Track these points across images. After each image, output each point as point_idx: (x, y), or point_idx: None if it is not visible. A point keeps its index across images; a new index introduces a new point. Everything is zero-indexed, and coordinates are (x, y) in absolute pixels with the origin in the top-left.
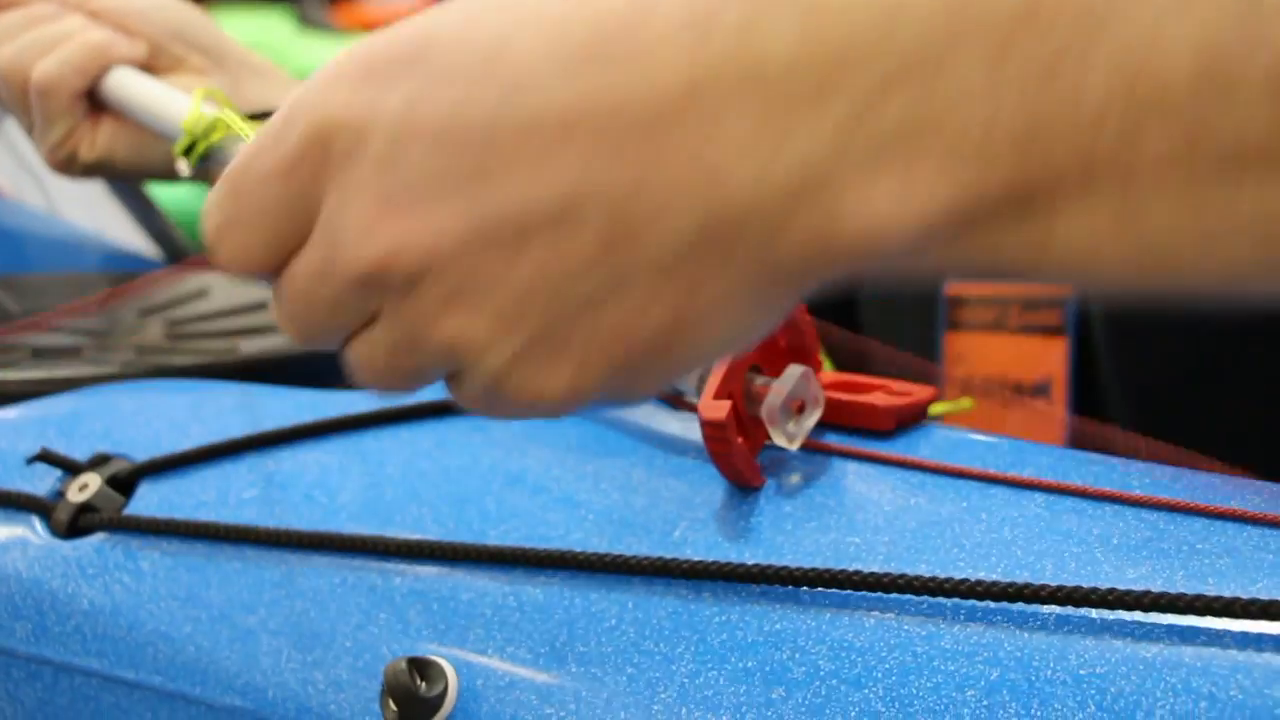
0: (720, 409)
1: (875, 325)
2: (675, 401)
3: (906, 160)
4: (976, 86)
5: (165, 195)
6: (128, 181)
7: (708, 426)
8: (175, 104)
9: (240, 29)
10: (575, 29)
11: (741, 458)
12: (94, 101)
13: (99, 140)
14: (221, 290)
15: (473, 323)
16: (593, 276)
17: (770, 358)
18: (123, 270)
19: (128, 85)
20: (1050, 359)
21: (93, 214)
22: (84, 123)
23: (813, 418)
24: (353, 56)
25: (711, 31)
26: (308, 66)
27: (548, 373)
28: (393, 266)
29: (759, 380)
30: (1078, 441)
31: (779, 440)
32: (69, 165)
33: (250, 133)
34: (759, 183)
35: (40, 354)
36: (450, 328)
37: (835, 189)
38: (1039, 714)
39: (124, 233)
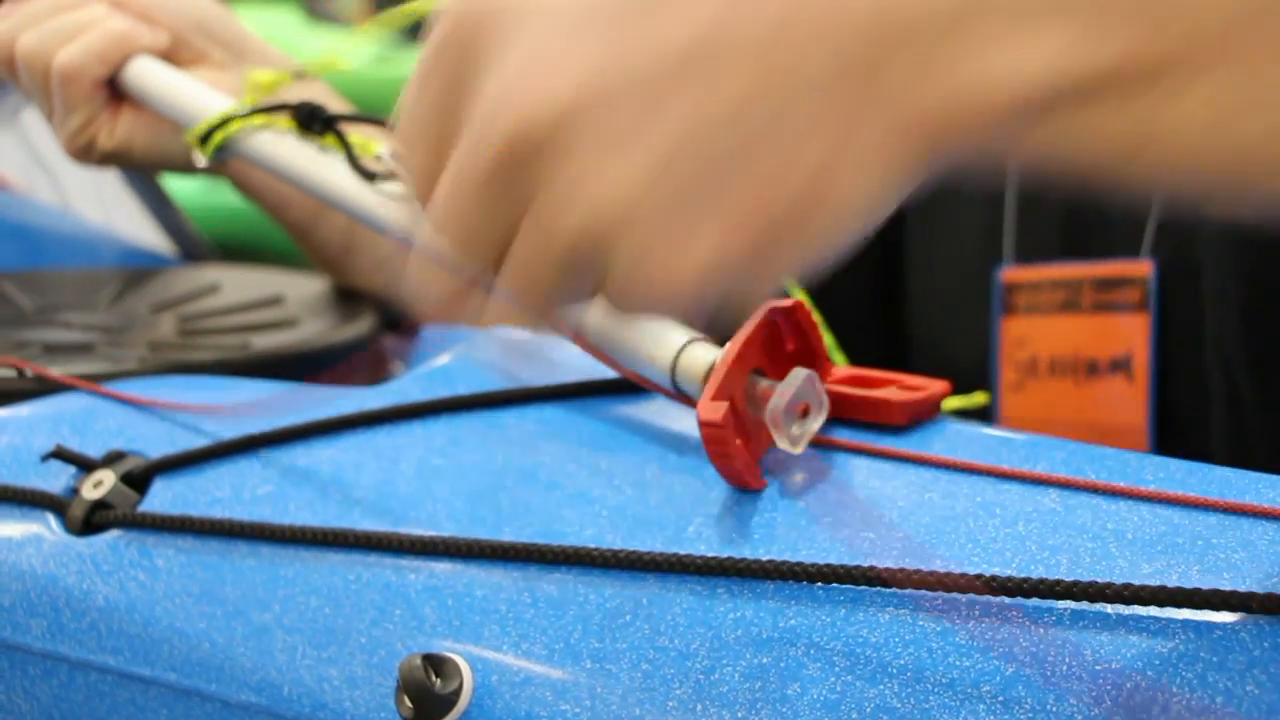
0: (718, 410)
1: (923, 314)
2: (685, 400)
3: (1046, 12)
4: None
5: (176, 189)
6: (145, 171)
7: (705, 427)
8: (194, 96)
9: (248, 22)
10: None
11: (740, 459)
12: (114, 90)
13: (118, 129)
14: (233, 286)
15: (618, 180)
16: (746, 116)
17: (775, 361)
18: (136, 266)
19: (148, 75)
20: (1130, 334)
21: (106, 209)
22: (104, 111)
23: (817, 421)
24: None
25: None
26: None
27: (690, 241)
28: (534, 124)
29: (763, 383)
30: (1164, 409)
31: (782, 444)
32: (87, 153)
33: (265, 126)
34: (918, 11)
35: (53, 350)
36: (594, 191)
37: (981, 32)
38: (1054, 710)
39: (137, 228)
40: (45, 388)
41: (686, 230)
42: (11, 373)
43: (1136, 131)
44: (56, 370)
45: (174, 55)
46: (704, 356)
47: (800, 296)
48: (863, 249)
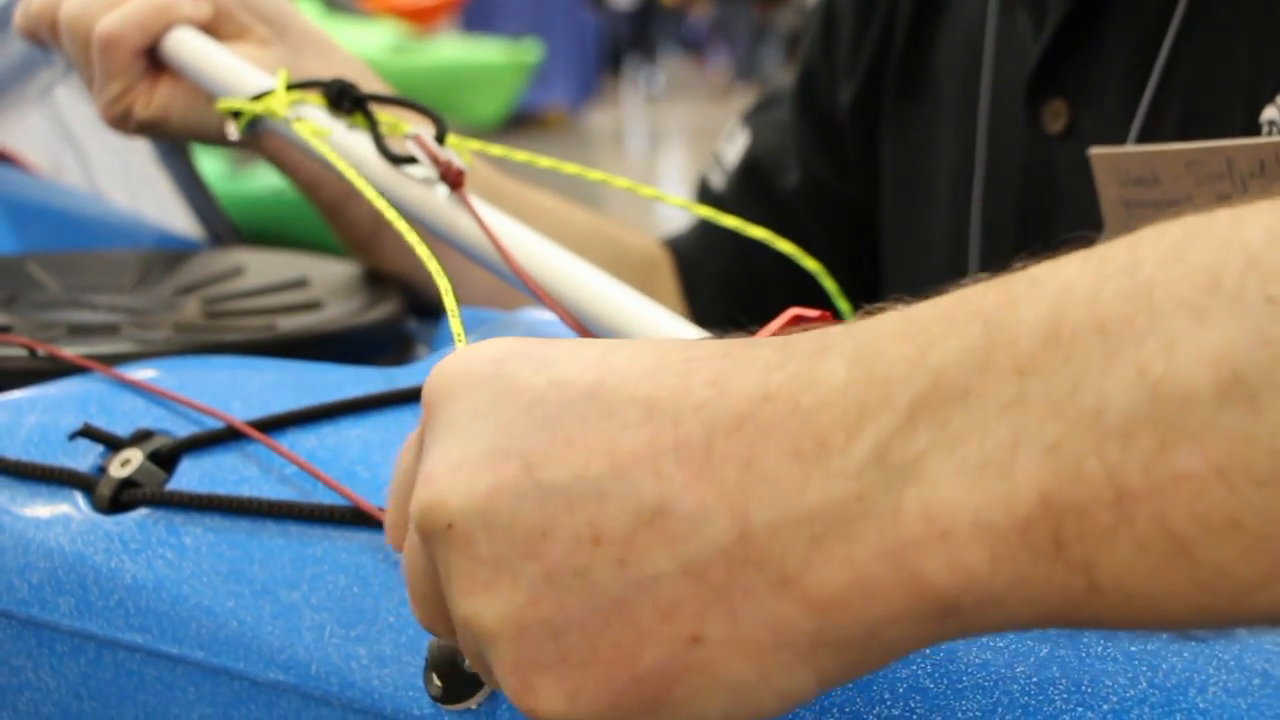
0: None
1: None
2: None
3: (934, 480)
4: (1003, 407)
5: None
6: (179, 143)
7: None
8: (232, 69)
9: None
10: (675, 352)
11: None
12: (154, 60)
13: (155, 99)
14: (258, 269)
15: (485, 606)
16: (623, 569)
17: None
18: (162, 248)
19: (187, 46)
20: None
21: (132, 191)
22: (142, 80)
23: None
24: (477, 349)
25: (788, 360)
26: None
27: (549, 681)
28: (431, 522)
29: None
30: None
31: None
32: (124, 121)
33: (298, 102)
34: (782, 516)
35: (78, 331)
36: (468, 604)
37: (856, 519)
38: (1089, 690)
39: (164, 210)
40: (59, 368)
41: (547, 670)
42: (23, 352)
43: (1080, 585)
44: (83, 351)
45: (216, 28)
46: None
47: (843, 306)
48: (844, 265)
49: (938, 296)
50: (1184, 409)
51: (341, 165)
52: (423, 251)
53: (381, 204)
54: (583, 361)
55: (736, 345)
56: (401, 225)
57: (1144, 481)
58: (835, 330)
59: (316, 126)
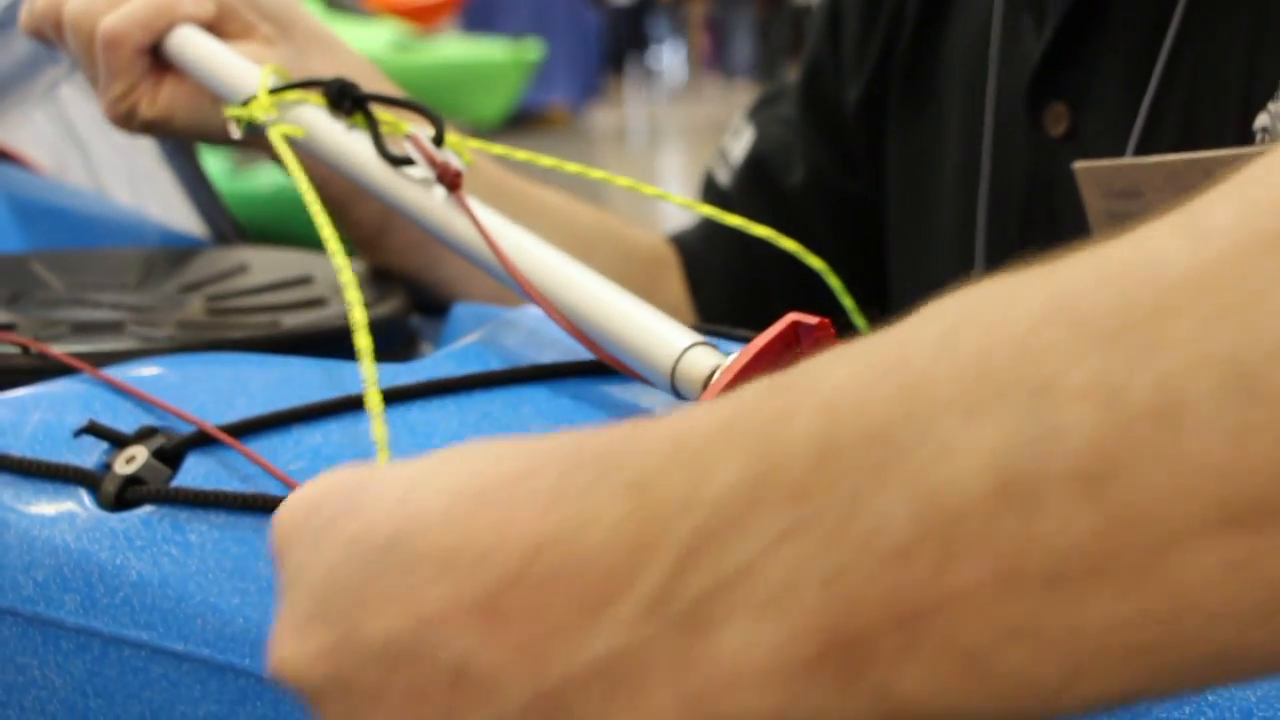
0: None
1: None
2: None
3: (718, 622)
4: (781, 538)
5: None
6: (184, 141)
7: None
8: (235, 67)
9: None
10: (476, 479)
11: None
12: (158, 58)
13: (160, 98)
14: (262, 266)
15: None
16: None
17: None
18: (165, 246)
19: (191, 45)
20: None
21: (137, 189)
22: (146, 79)
23: None
24: (302, 492)
25: (567, 490)
26: None
27: None
28: (282, 678)
29: None
30: None
31: None
32: (128, 120)
33: (299, 102)
34: (573, 669)
35: (82, 329)
36: None
37: (646, 668)
38: None
39: (168, 209)
40: (49, 366)
41: None
42: (16, 350)
43: (879, 709)
44: (87, 349)
45: (221, 27)
46: (706, 362)
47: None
48: (851, 261)
49: (718, 406)
50: (960, 518)
51: (295, 168)
52: (333, 246)
53: (319, 213)
54: (389, 503)
55: (537, 458)
56: (330, 237)
57: (926, 601)
58: (621, 442)
59: (288, 128)
